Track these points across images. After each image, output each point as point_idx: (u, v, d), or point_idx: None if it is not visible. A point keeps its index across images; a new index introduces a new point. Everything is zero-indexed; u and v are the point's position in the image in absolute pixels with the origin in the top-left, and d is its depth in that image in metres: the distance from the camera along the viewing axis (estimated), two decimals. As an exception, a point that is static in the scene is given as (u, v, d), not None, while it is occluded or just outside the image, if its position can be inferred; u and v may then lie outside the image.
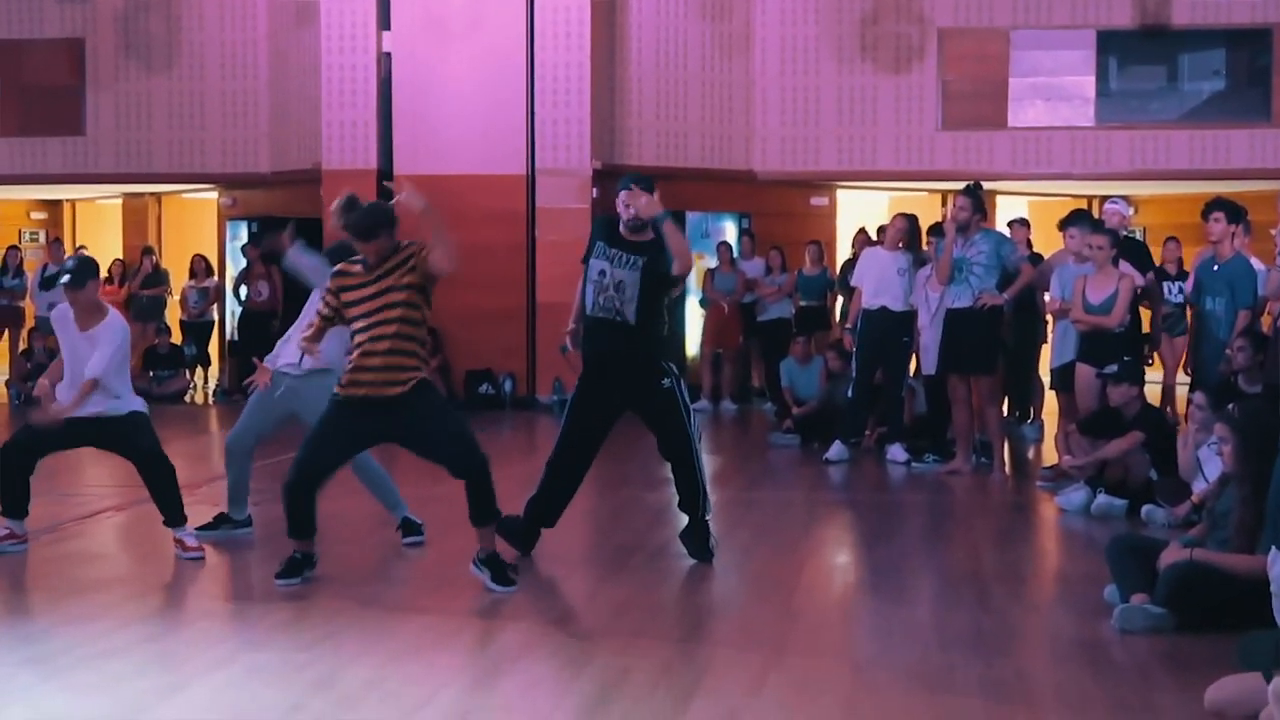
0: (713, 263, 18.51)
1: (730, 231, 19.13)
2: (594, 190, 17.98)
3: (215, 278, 20.17)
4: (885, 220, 17.90)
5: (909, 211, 13.92)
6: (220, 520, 9.18)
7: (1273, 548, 6.10)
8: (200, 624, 7.23)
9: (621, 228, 8.51)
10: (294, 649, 6.56)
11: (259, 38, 20.11)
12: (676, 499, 8.60)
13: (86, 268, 8.55)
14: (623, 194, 8.59)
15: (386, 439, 7.82)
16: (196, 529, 8.83)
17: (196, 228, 22.24)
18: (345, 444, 7.79)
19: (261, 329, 18.52)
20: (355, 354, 7.64)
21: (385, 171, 18.17)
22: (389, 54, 18.23)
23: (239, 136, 20.27)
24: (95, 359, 8.26)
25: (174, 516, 8.56)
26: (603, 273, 8.40)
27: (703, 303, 18.59)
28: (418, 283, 7.64)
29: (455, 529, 8.69)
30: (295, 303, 18.43)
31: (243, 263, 19.22)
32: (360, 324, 7.65)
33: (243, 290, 18.97)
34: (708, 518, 8.52)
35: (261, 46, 20.10)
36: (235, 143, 20.28)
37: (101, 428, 8.40)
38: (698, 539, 8.51)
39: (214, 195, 21.47)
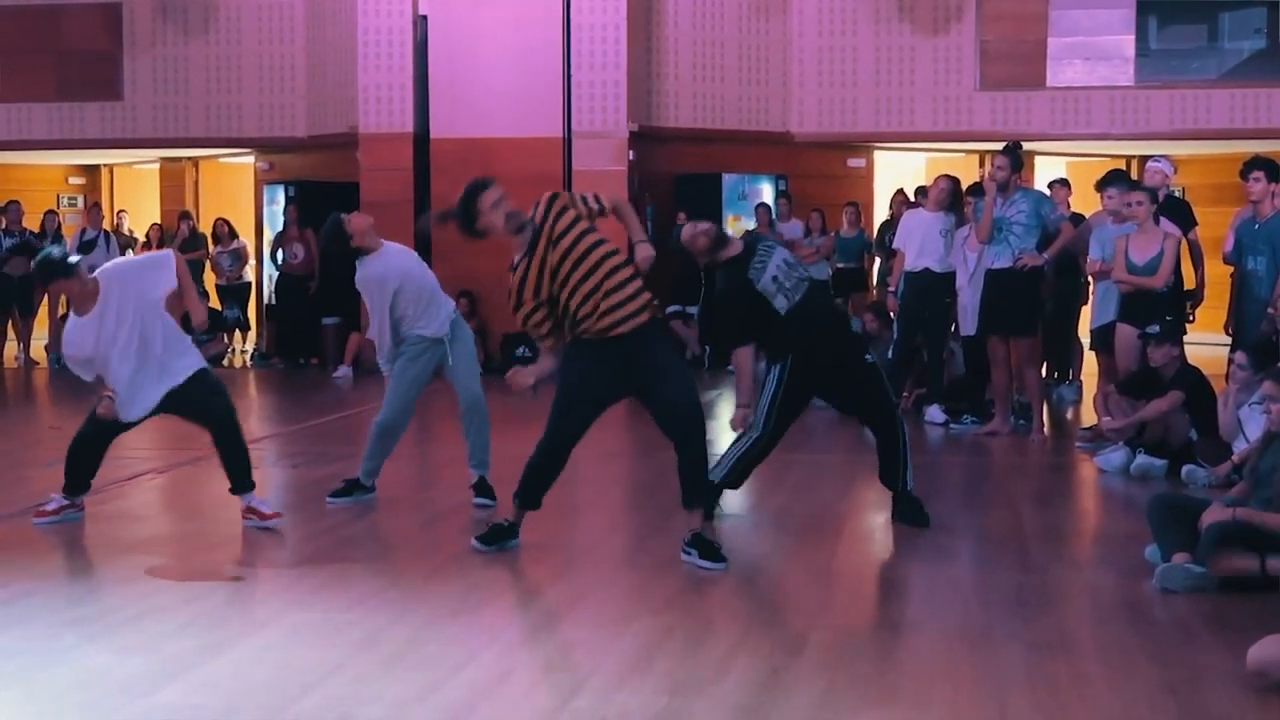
0: (751, 224, 18.46)
1: (767, 193, 19.07)
2: (630, 153, 17.95)
3: (240, 239, 20.21)
4: (923, 182, 17.89)
5: (949, 173, 13.85)
6: (353, 486, 9.17)
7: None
8: (241, 585, 7.27)
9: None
10: (335, 610, 6.59)
11: (295, 1, 20.11)
12: (878, 471, 8.58)
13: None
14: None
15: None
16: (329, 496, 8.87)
17: (234, 192, 22.30)
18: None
19: (298, 292, 18.59)
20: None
21: (422, 135, 18.18)
22: (425, 17, 18.21)
23: (275, 101, 20.30)
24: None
25: (242, 482, 8.44)
26: (775, 277, 8.23)
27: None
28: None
29: (501, 488, 8.72)
30: (331, 266, 18.57)
31: (279, 226, 19.26)
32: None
33: (279, 254, 19.02)
34: (910, 488, 8.50)
35: (298, 10, 20.11)
36: (272, 107, 20.31)
37: (173, 396, 8.26)
38: (911, 507, 8.48)
39: (251, 159, 21.51)
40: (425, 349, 8.96)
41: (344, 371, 17.42)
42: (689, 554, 7.38)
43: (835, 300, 15.16)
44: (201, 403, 8.33)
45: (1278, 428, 7.09)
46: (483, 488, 8.96)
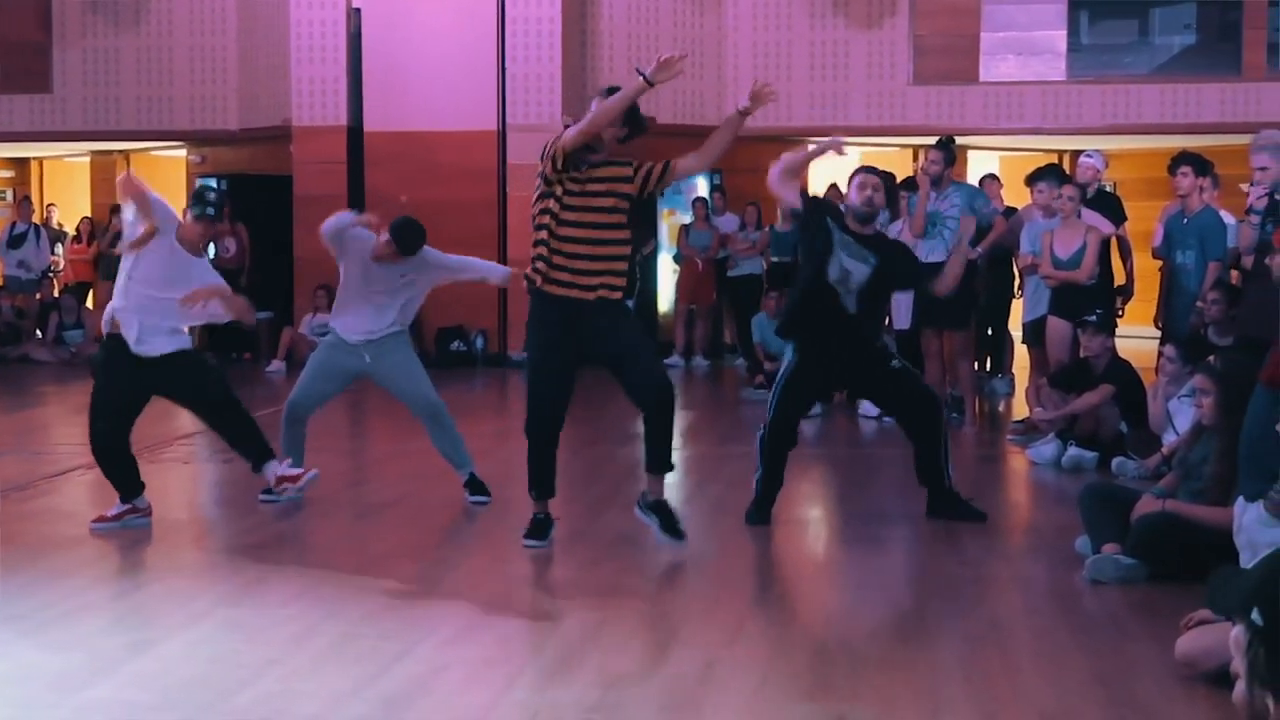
0: (687, 219, 18.48)
1: (702, 187, 19.10)
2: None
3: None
4: (857, 176, 17.93)
5: (883, 169, 13.90)
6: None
7: (1240, 498, 6.16)
8: (173, 580, 7.22)
9: (849, 220, 8.39)
10: (269, 605, 6.56)
11: (227, -7, 19.99)
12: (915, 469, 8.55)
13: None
14: (860, 178, 8.44)
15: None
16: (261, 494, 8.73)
17: (165, 185, 22.05)
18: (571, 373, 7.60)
19: (231, 287, 18.45)
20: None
21: (356, 128, 18.11)
22: (358, 9, 18.13)
23: (208, 93, 20.16)
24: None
25: (260, 455, 8.22)
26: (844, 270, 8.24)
27: (676, 259, 18.58)
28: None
29: (430, 486, 8.70)
30: (263, 259, 18.47)
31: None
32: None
33: (211, 248, 18.86)
34: (951, 484, 8.44)
35: (230, 2, 19.97)
36: (204, 99, 20.17)
37: (169, 370, 8.06)
38: (951, 503, 8.43)
39: (183, 153, 21.36)
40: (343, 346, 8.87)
41: (277, 366, 17.33)
42: (648, 518, 7.45)
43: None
44: (193, 381, 8.27)
45: (1207, 420, 7.16)
46: (475, 485, 8.90)
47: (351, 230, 8.71)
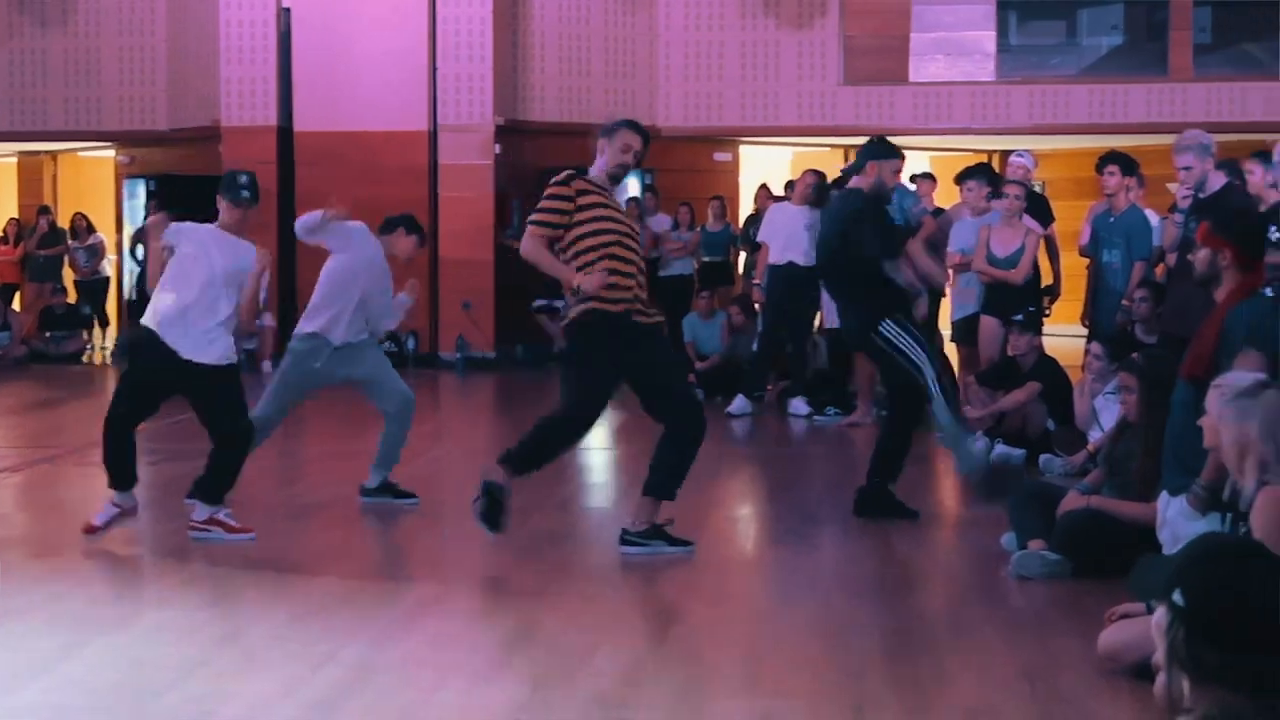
0: (619, 218, 18.48)
1: (634, 187, 19.11)
2: (497, 146, 17.92)
3: (99, 234, 19.92)
4: (789, 176, 18.03)
5: (815, 168, 13.99)
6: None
7: (1164, 492, 6.24)
8: (100, 584, 7.17)
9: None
10: (196, 606, 6.54)
11: (156, -7, 19.83)
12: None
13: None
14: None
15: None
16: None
17: (94, 186, 21.95)
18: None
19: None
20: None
21: (286, 128, 18.03)
22: (288, 9, 18.05)
23: (136, 94, 20.01)
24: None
25: (215, 493, 7.97)
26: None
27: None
28: None
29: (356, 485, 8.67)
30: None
31: (140, 221, 18.98)
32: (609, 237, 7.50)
33: (139, 249, 18.74)
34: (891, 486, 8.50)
35: (159, 2, 19.82)
36: (132, 100, 20.01)
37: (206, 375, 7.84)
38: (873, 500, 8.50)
39: (111, 153, 21.19)
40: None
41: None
42: (647, 546, 7.41)
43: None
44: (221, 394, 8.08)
45: (1131, 417, 7.23)
46: (394, 489, 8.85)
47: (330, 226, 8.67)
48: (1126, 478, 7.17)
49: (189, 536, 7.78)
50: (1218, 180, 9.08)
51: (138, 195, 19.42)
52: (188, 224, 8.02)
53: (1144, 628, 5.24)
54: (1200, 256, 6.22)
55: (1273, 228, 7.63)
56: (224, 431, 7.87)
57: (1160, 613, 2.92)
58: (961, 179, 12.21)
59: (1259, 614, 2.83)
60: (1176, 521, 6.00)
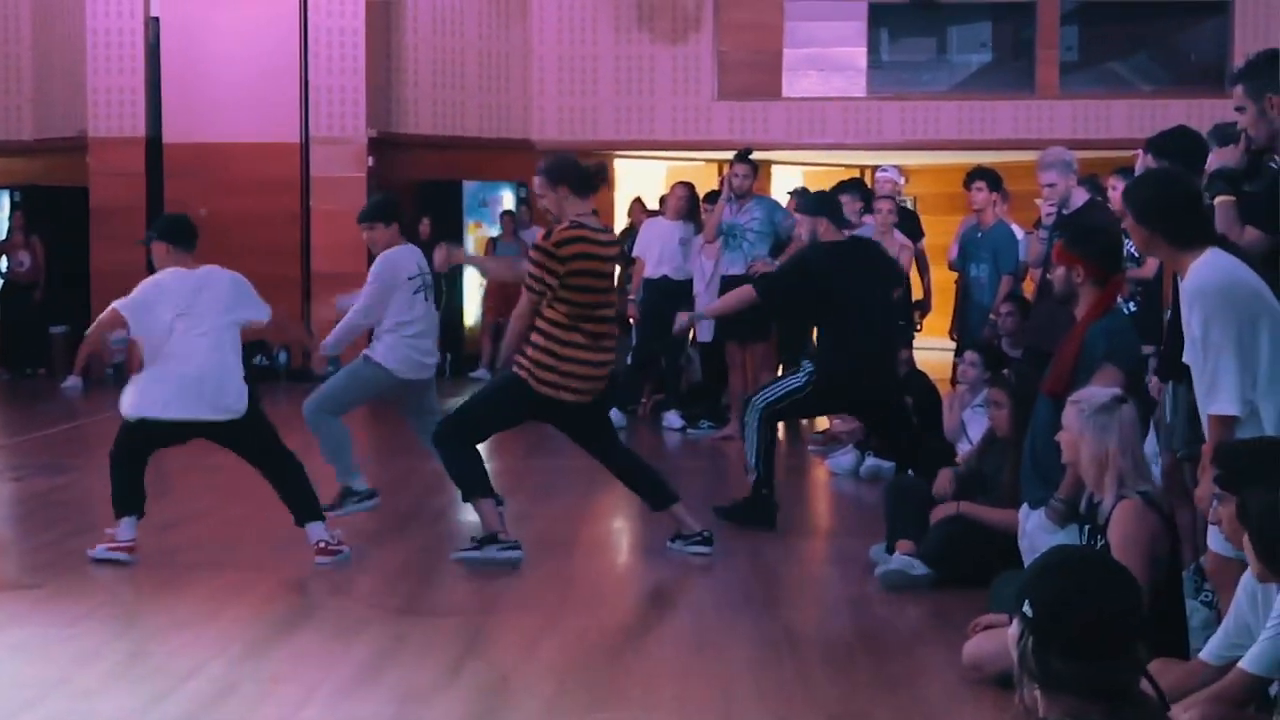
0: (494, 232, 18.46)
1: (508, 201, 19.08)
2: (370, 159, 17.79)
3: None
4: (663, 190, 18.08)
5: (686, 180, 14.05)
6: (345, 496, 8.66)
7: (1024, 504, 6.33)
8: (-41, 601, 7.03)
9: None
10: (56, 624, 6.42)
11: (21, 0, 19.48)
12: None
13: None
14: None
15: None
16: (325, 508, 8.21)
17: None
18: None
19: (24, 300, 18.02)
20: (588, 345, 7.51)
21: (155, 139, 17.79)
22: (157, 18, 17.81)
23: (1, 103, 19.64)
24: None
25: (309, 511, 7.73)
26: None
27: (484, 272, 18.50)
28: None
29: (235, 500, 8.57)
30: (59, 273, 18.00)
31: (3, 233, 18.63)
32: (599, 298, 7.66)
33: (3, 261, 18.40)
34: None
35: (24, 9, 19.46)
36: (-3, 109, 19.64)
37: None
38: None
39: (-25, 163, 20.78)
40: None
41: (73, 381, 16.92)
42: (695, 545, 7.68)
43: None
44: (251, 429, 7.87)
45: (1000, 432, 7.32)
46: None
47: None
48: (997, 491, 7.26)
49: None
50: (1080, 197, 9.23)
51: (2, 206, 19.04)
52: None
53: (1007, 638, 5.32)
54: (1057, 275, 6.32)
55: (1128, 241, 7.77)
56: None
57: (1014, 624, 2.97)
58: (835, 193, 12.30)
59: (1105, 622, 2.88)
60: (1035, 534, 6.08)
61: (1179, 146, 6.75)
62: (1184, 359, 5.29)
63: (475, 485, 7.58)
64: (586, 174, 7.62)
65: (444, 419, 7.87)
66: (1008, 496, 7.09)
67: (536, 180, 7.77)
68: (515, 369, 7.51)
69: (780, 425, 12.55)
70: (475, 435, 7.73)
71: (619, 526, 9.29)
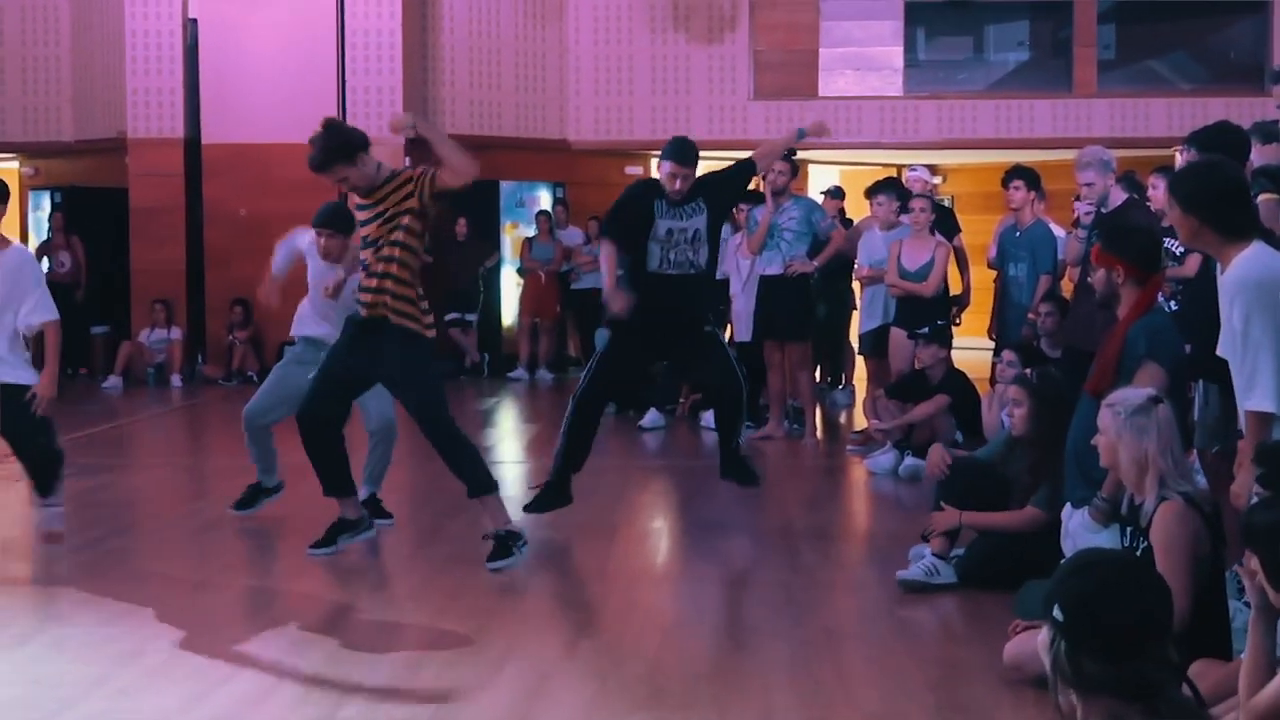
0: (530, 232, 18.48)
1: (545, 200, 19.11)
2: (407, 159, 17.82)
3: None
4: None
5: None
6: (256, 492, 8.74)
7: (1067, 504, 6.29)
8: (0, 598, 7.06)
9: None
10: (97, 624, 6.45)
11: (60, 2, 19.59)
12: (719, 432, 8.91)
13: None
14: (668, 166, 8.56)
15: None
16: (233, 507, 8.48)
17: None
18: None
19: (65, 301, 18.10)
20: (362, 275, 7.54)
21: (193, 140, 17.86)
22: (195, 20, 17.89)
23: (40, 104, 19.74)
24: None
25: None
26: (670, 231, 8.46)
27: (520, 272, 18.56)
28: (417, 208, 7.50)
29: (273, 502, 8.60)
30: (98, 274, 18.12)
31: (45, 234, 18.76)
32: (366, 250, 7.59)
33: (44, 262, 18.52)
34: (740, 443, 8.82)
35: (63, 11, 19.57)
36: (36, 110, 19.75)
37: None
38: (736, 465, 8.78)
39: (15, 164, 20.91)
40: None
41: (114, 381, 17.03)
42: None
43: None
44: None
45: (1017, 431, 7.27)
46: (374, 505, 8.63)
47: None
48: (1018, 489, 7.21)
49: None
50: (1119, 196, 9.19)
51: (43, 207, 19.18)
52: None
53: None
54: (1098, 277, 6.28)
55: (1171, 242, 7.72)
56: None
57: (1045, 629, 2.96)
58: (871, 193, 12.29)
59: (1134, 622, 2.86)
60: (1078, 534, 6.05)
61: (1222, 141, 6.71)
62: (1219, 352, 5.25)
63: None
64: None
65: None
66: (1020, 496, 7.06)
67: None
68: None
69: (817, 422, 12.56)
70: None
71: (657, 526, 9.28)
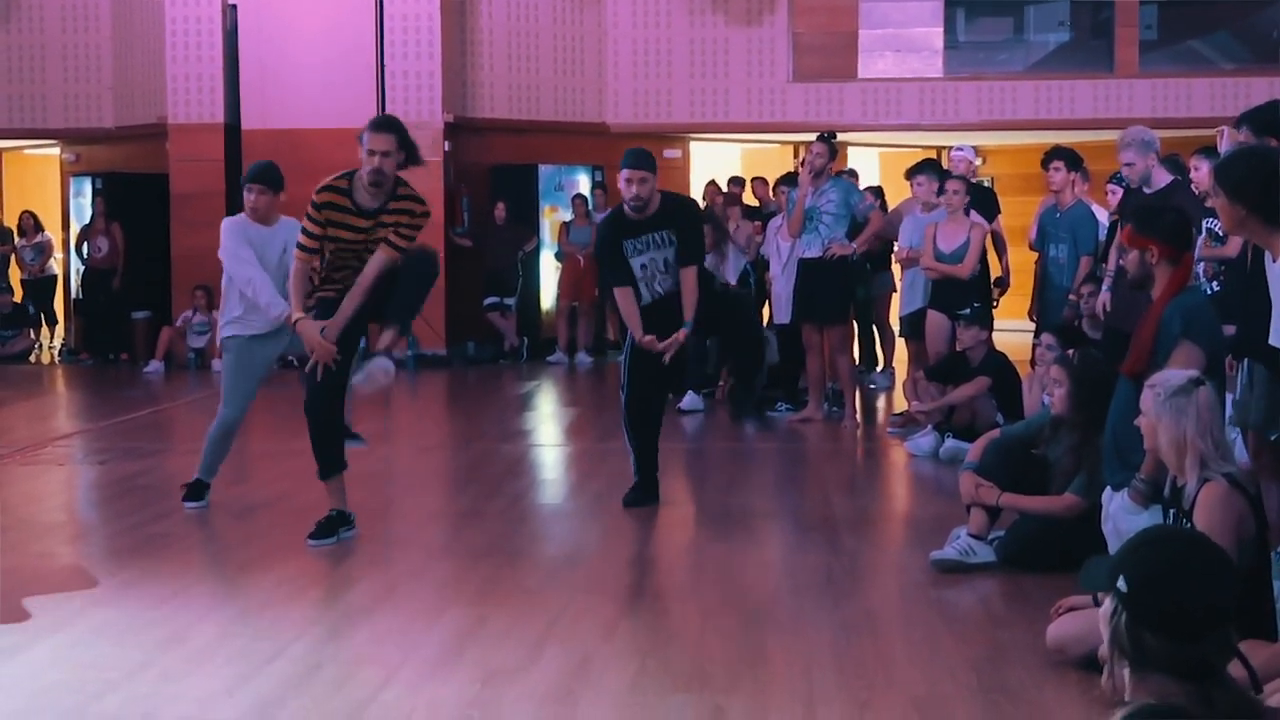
0: (568, 216, 18.48)
1: (584, 184, 19.09)
2: (446, 144, 17.85)
3: (47, 232, 19.77)
4: (738, 172, 18.06)
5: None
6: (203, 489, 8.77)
7: (1108, 487, 6.25)
8: (44, 582, 7.10)
9: (627, 209, 8.61)
10: (141, 607, 6.48)
11: (100, -11, 19.67)
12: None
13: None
14: (625, 173, 8.61)
15: None
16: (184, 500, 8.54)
17: (39, 184, 21.77)
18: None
19: (103, 286, 18.23)
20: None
21: (233, 125, 17.92)
22: (234, 6, 17.94)
23: (81, 91, 19.84)
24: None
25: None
26: (644, 266, 8.56)
27: (558, 256, 18.56)
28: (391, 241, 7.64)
29: (308, 485, 8.62)
30: (139, 259, 18.22)
31: (86, 219, 18.84)
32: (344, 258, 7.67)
33: (85, 247, 18.62)
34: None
35: (103, -1, 19.66)
36: (77, 97, 19.85)
37: None
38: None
39: (56, 151, 21.02)
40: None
41: (155, 367, 17.11)
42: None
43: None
44: None
45: (1057, 410, 7.23)
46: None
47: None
48: (1060, 471, 7.18)
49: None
50: (1162, 177, 9.13)
51: (84, 193, 19.27)
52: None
53: (1091, 620, 5.25)
54: (1130, 259, 6.25)
55: (1214, 221, 7.67)
56: None
57: (1108, 601, 2.93)
58: (911, 174, 12.26)
59: (1200, 601, 2.84)
60: (1119, 516, 6.01)
61: (1277, 120, 6.65)
62: (1272, 341, 5.21)
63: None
64: None
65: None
66: (1059, 475, 7.02)
67: None
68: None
69: (857, 405, 12.54)
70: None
71: (696, 509, 9.28)
